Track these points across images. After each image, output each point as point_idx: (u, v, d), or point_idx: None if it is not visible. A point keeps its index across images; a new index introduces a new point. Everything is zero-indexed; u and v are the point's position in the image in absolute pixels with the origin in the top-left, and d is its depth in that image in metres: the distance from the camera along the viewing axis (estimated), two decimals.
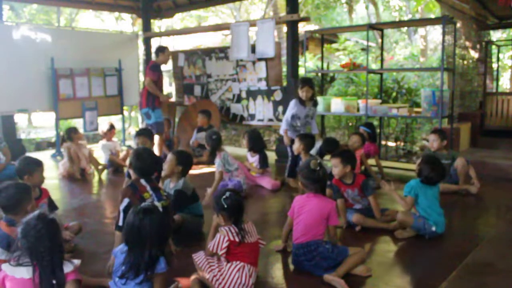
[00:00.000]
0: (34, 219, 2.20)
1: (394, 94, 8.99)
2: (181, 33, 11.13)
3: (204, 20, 19.99)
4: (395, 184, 4.03)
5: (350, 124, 9.47)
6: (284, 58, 7.42)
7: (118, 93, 8.31)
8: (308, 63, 10.50)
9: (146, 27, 9.02)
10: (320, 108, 6.58)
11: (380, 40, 7.52)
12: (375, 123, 7.30)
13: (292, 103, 5.25)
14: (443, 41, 5.84)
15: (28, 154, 7.38)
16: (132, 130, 13.74)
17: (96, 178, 6.06)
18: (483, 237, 3.61)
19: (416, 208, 3.63)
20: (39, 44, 7.38)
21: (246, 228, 2.72)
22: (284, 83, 7.08)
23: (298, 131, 5.22)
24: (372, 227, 3.73)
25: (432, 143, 4.98)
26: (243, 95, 7.40)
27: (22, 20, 16.03)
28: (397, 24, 10.90)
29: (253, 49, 6.96)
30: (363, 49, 13.62)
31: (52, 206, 3.46)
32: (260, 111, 7.20)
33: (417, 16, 17.45)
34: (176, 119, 8.29)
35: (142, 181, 3.11)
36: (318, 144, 5.07)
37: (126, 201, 2.96)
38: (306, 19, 7.39)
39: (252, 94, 7.27)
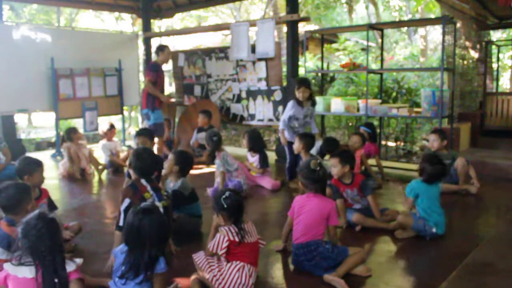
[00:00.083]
0: (34, 219, 2.20)
1: (394, 94, 8.99)
2: (181, 33, 11.13)
3: (204, 20, 19.99)
4: (395, 184, 4.06)
5: (350, 124, 9.47)
6: (284, 58, 7.42)
7: (118, 93, 8.31)
8: (308, 63, 10.50)
9: (146, 27, 9.02)
10: (320, 108, 6.59)
11: (380, 40, 7.52)
12: (375, 123, 7.30)
13: (290, 104, 5.20)
14: (443, 41, 5.84)
15: (28, 154, 7.39)
16: (132, 130, 13.74)
17: (96, 178, 6.06)
18: (483, 237, 3.61)
19: (416, 209, 3.63)
20: (39, 44, 7.38)
21: (246, 228, 2.72)
22: (284, 83, 7.08)
23: (297, 132, 5.21)
24: (372, 227, 3.73)
25: (432, 143, 4.98)
26: (243, 95, 7.40)
27: (22, 20, 16.03)
28: (397, 24, 10.89)
29: (253, 49, 6.95)
30: (363, 49, 13.62)
31: (51, 206, 3.46)
32: (260, 111, 7.20)
33: (417, 16, 17.45)
34: (176, 119, 8.29)
35: (143, 181, 3.10)
36: (319, 144, 5.06)
37: (127, 201, 2.96)
38: (306, 19, 7.39)
39: (252, 94, 7.27)
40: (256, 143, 5.50)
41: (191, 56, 8.18)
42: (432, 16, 14.73)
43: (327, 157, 4.68)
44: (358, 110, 6.52)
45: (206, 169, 6.26)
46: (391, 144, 9.36)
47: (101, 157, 6.48)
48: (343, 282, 2.68)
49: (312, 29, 13.22)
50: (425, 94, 5.85)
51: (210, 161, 4.99)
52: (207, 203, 4.28)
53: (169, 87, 14.41)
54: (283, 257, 3.21)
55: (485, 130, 7.87)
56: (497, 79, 9.71)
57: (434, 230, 3.49)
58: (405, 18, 17.62)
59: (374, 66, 10.31)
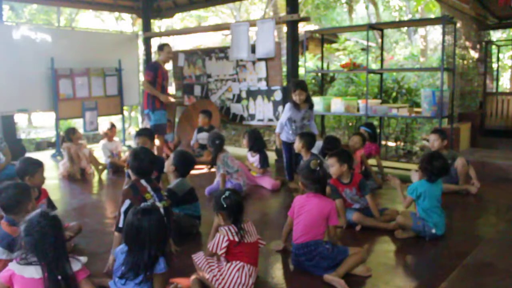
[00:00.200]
0: (37, 217, 2.20)
1: (394, 94, 8.99)
2: (181, 33, 11.13)
3: (204, 20, 19.99)
4: (401, 186, 4.04)
5: (350, 124, 9.47)
6: (284, 58, 7.41)
7: (118, 93, 8.30)
8: (308, 63, 10.51)
9: (146, 27, 9.02)
10: (320, 108, 6.59)
11: (380, 40, 7.52)
12: (375, 123, 7.30)
13: (287, 107, 5.15)
14: (443, 41, 5.84)
15: (28, 154, 7.39)
16: (132, 130, 13.74)
17: (96, 178, 6.06)
18: (483, 237, 3.61)
19: (416, 209, 3.63)
20: (39, 44, 7.38)
21: (245, 228, 2.72)
22: (284, 83, 7.08)
23: (295, 134, 5.18)
24: (371, 227, 3.73)
25: (432, 143, 4.97)
26: (243, 95, 7.40)
27: (22, 20, 16.03)
28: (397, 24, 10.89)
29: (253, 49, 6.95)
30: (363, 49, 13.62)
31: (51, 206, 3.46)
32: (260, 111, 7.20)
33: (417, 16, 17.45)
34: (176, 119, 8.29)
35: (143, 182, 3.09)
36: (320, 143, 5.05)
37: (127, 202, 2.95)
38: (306, 19, 7.38)
39: (252, 94, 7.27)
40: (256, 143, 5.50)
41: (191, 56, 8.18)
42: (432, 16, 14.72)
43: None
44: (358, 110, 6.52)
45: (206, 170, 6.25)
46: (391, 144, 9.36)
47: (101, 157, 6.48)
48: (343, 282, 2.68)
49: (312, 29, 13.22)
50: (425, 94, 5.85)
51: (214, 164, 4.94)
52: (207, 203, 4.28)
53: (169, 87, 14.41)
54: (283, 257, 3.21)
55: (485, 130, 7.87)
56: (497, 79, 9.70)
57: (433, 231, 3.49)
58: (405, 18, 17.61)
59: (374, 66, 10.31)
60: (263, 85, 7.09)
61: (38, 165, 3.39)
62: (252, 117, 7.33)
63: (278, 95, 6.91)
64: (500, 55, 10.96)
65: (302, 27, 10.35)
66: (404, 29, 19.58)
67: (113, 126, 6.54)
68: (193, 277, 2.69)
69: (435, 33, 20.36)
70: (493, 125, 7.89)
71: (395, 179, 3.79)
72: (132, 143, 7.44)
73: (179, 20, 19.03)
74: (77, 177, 5.95)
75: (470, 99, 8.04)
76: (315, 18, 17.50)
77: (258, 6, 19.93)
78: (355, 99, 6.90)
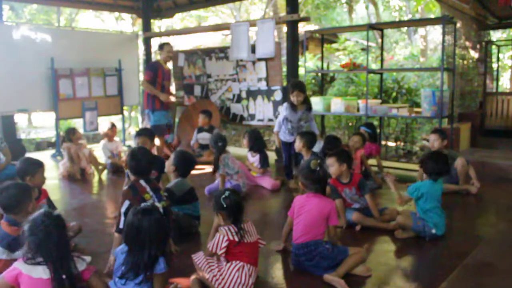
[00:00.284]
0: (41, 216, 2.21)
1: (394, 94, 8.99)
2: (181, 33, 11.13)
3: (204, 20, 19.98)
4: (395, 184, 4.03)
5: (350, 124, 9.46)
6: (284, 58, 7.41)
7: (118, 93, 8.30)
8: (308, 63, 10.50)
9: (146, 27, 9.02)
10: (320, 108, 6.59)
11: (380, 40, 7.52)
12: (375, 123, 7.30)
13: (284, 107, 5.15)
14: (443, 41, 5.84)
15: (28, 154, 7.40)
16: (132, 130, 13.74)
17: (96, 178, 6.06)
18: (483, 237, 3.61)
19: (416, 209, 3.63)
20: (39, 44, 7.38)
21: (245, 228, 2.72)
22: (284, 83, 7.07)
23: (291, 134, 5.19)
24: (371, 227, 3.73)
25: (433, 143, 4.97)
26: (243, 95, 7.40)
27: (22, 20, 16.03)
28: (397, 24, 10.89)
29: (253, 49, 6.95)
30: (363, 49, 13.62)
31: (51, 206, 3.46)
32: (260, 111, 7.20)
33: (417, 16, 17.45)
34: (176, 119, 8.29)
35: (142, 182, 3.08)
36: (321, 143, 5.04)
37: (127, 203, 2.94)
38: (306, 19, 7.38)
39: (252, 94, 7.27)
40: (256, 143, 5.50)
41: (191, 56, 8.18)
42: (432, 16, 14.72)
43: None
44: (358, 110, 6.52)
45: (206, 170, 6.25)
46: (391, 144, 9.36)
47: (101, 157, 6.48)
48: (343, 282, 2.68)
49: (312, 29, 13.22)
50: (425, 94, 5.85)
51: (216, 167, 4.88)
52: (207, 202, 4.28)
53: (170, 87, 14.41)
54: (283, 257, 3.21)
55: (485, 130, 7.86)
56: (497, 79, 9.71)
57: (433, 231, 3.49)
58: (405, 18, 17.61)
59: (374, 66, 10.31)
60: (263, 85, 7.09)
61: (38, 165, 3.39)
62: (252, 117, 7.33)
63: (278, 95, 6.91)
64: (500, 55, 10.96)
65: (302, 27, 10.34)
66: (404, 29, 19.57)
67: (113, 126, 6.54)
68: (193, 277, 2.69)
69: (435, 33, 20.36)
70: (493, 125, 7.88)
71: (390, 176, 3.78)
72: (132, 143, 7.45)
73: (179, 20, 19.03)
74: (77, 177, 5.95)
75: (470, 99, 8.04)
76: (315, 18, 17.50)
77: (258, 6, 19.93)
78: (355, 99, 6.90)
